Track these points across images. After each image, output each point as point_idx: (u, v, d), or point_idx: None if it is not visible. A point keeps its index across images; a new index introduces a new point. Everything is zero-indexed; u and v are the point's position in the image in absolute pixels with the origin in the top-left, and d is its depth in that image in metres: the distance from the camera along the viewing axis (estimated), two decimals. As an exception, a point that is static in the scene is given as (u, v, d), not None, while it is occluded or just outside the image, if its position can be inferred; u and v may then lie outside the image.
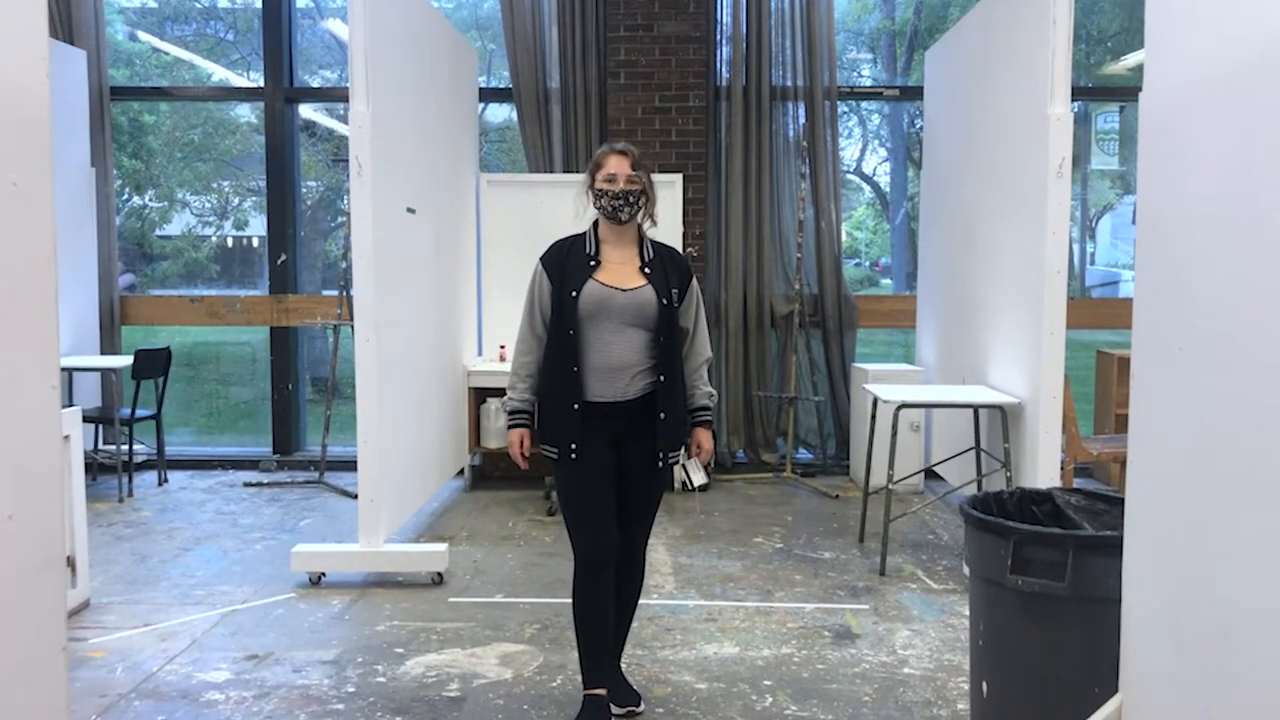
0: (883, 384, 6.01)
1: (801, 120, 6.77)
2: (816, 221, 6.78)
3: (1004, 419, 4.62)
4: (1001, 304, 4.92)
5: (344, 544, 4.71)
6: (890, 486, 4.77)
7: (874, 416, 5.20)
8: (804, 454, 6.99)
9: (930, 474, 6.23)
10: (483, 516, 5.71)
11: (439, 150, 5.62)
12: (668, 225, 6.56)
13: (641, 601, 3.70)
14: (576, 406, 3.09)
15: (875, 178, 8.58)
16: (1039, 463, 4.37)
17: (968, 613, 2.98)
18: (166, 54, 7.79)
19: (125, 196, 7.73)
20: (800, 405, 6.75)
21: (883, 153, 8.41)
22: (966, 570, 3.42)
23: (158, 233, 8.04)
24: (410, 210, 5.04)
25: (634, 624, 3.44)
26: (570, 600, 3.15)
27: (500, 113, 7.79)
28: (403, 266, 4.90)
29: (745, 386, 6.85)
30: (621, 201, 3.14)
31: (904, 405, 4.73)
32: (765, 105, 6.72)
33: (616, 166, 3.15)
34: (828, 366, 6.89)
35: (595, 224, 3.26)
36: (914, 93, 7.16)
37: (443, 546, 4.52)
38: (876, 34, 7.91)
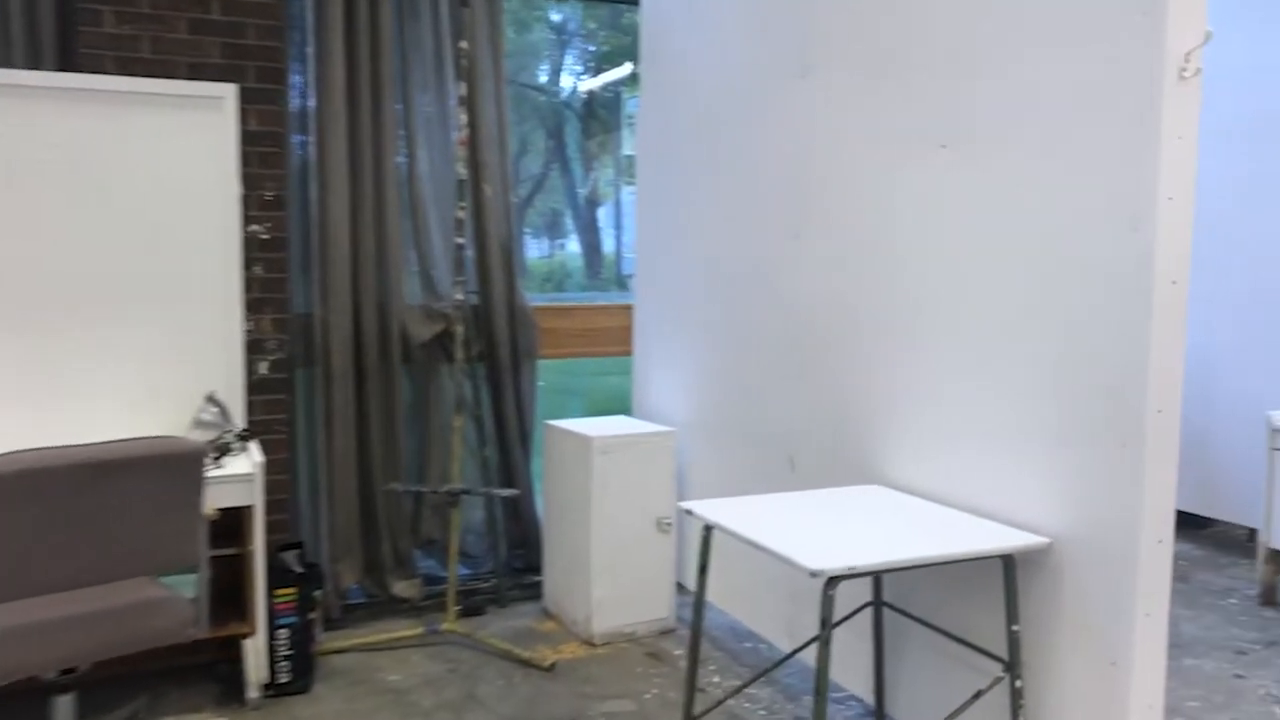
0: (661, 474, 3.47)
1: (443, 10, 3.94)
2: (475, 183, 4.01)
3: (1008, 572, 2.28)
4: (923, 329, 2.59)
5: None
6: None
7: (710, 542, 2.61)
8: (460, 569, 4.20)
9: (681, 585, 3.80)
10: None
11: None
12: (207, 178, 3.44)
13: None
14: None
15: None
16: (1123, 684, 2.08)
17: None
18: None
19: None
20: (465, 499, 3.95)
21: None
22: None
23: None
24: None
25: None
26: None
27: None
28: None
29: (362, 474, 3.90)
30: None
31: (846, 577, 2.17)
32: (383, -24, 3.82)
33: None
34: (498, 423, 4.16)
35: None
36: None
37: None
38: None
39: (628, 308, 4.34)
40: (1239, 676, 3.48)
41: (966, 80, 2.45)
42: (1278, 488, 4.06)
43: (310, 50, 3.74)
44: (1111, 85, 2.07)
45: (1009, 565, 2.26)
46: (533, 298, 4.25)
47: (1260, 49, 4.48)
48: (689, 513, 2.51)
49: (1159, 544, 2.05)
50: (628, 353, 4.33)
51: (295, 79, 3.76)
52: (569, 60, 15.92)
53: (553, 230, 18.08)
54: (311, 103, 3.75)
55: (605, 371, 6.03)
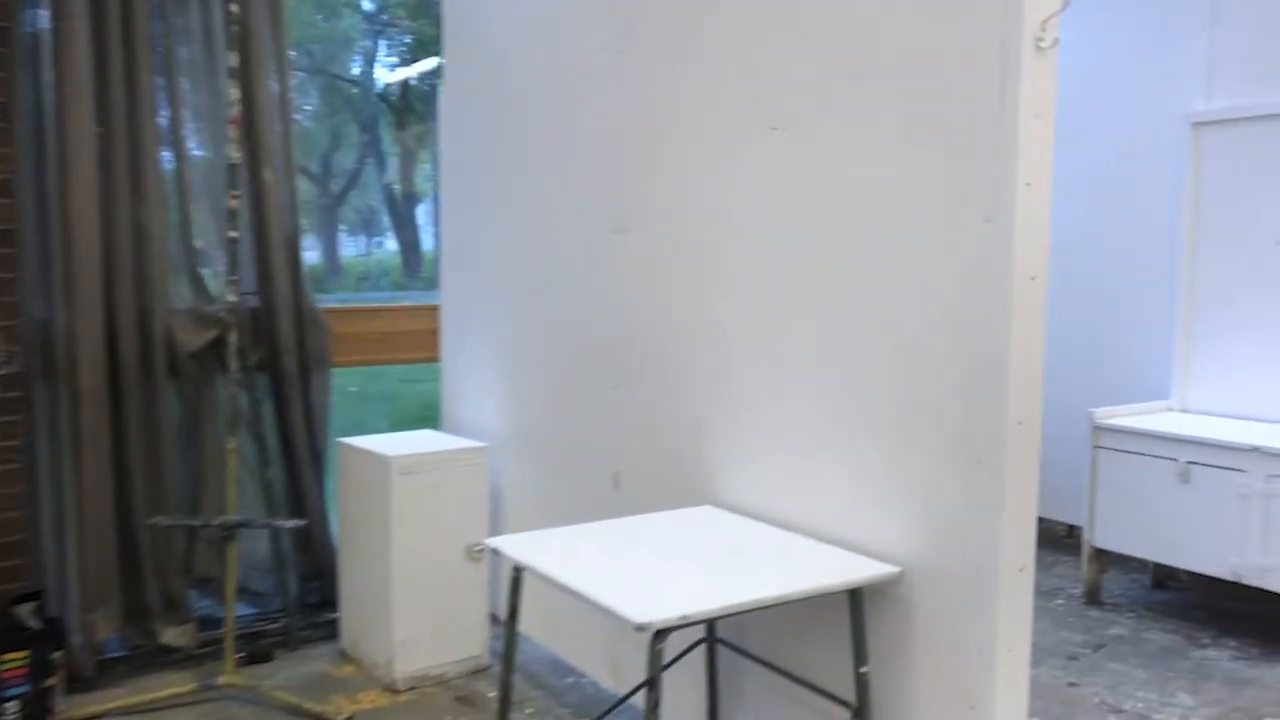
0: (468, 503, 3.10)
1: (214, -29, 3.44)
2: (254, 169, 3.52)
3: (855, 607, 2.03)
4: (758, 333, 2.33)
5: None
6: None
7: (519, 587, 2.26)
8: (244, 609, 3.69)
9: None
10: None
11: None
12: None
13: None
14: None
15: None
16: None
17: None
18: None
19: None
20: (244, 532, 3.43)
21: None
22: None
23: None
24: None
25: None
26: None
27: None
28: None
29: (120, 507, 3.35)
30: None
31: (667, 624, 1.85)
32: (136, -73, 3.28)
33: None
34: (284, 442, 3.67)
35: None
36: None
37: None
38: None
39: (435, 309, 3.93)
40: (1073, 684, 3.39)
41: (796, 52, 2.19)
42: (1100, 486, 4.03)
43: (46, 10, 3.17)
44: (961, 57, 1.84)
45: (855, 599, 2.01)
46: (343, 297, 3.80)
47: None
48: (495, 552, 2.15)
49: (1020, 572, 1.83)
50: (435, 359, 3.93)
51: (29, 42, 3.18)
52: (382, 51, 15.25)
53: (369, 228, 17.31)
54: (48, 71, 3.17)
55: (418, 378, 5.59)
